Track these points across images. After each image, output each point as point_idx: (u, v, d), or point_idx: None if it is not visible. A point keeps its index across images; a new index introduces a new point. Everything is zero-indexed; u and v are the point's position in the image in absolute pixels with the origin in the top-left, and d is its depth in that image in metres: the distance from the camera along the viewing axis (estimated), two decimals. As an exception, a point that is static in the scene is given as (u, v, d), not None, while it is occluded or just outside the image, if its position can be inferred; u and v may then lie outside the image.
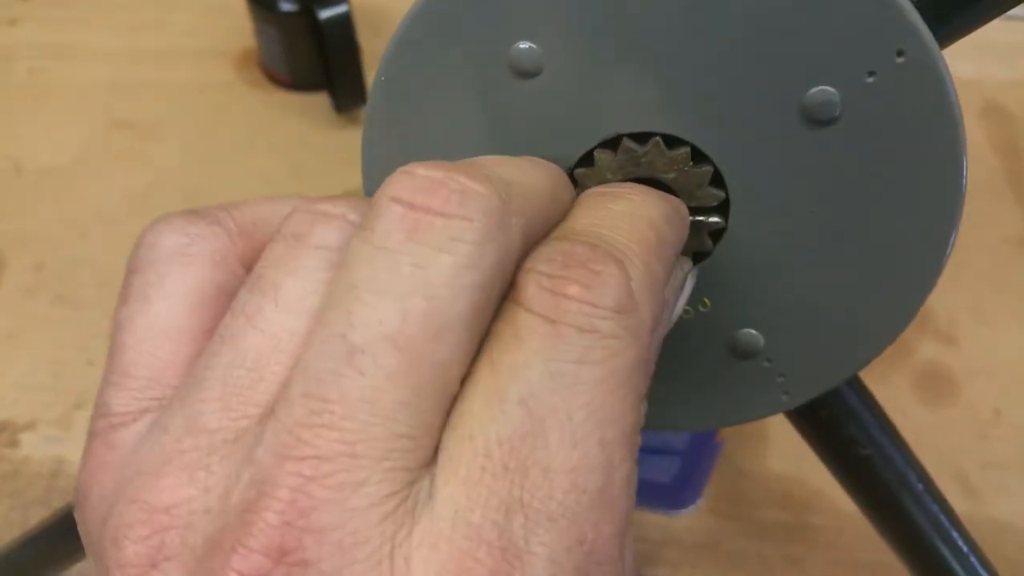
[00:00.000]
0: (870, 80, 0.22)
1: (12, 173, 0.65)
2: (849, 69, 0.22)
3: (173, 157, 0.66)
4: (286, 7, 0.64)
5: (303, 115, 0.68)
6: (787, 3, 0.21)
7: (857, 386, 0.29)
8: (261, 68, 0.69)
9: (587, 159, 0.24)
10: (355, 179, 0.26)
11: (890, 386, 0.56)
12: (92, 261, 0.61)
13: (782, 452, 0.53)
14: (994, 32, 0.84)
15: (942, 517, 0.31)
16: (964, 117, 0.22)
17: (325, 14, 0.61)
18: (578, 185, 0.25)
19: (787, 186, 0.23)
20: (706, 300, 0.26)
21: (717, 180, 0.24)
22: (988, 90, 0.71)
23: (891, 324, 0.25)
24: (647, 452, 0.46)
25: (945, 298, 0.61)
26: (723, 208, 0.24)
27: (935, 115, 0.22)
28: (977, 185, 0.66)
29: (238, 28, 0.70)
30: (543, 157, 0.24)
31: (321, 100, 0.68)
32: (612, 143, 0.24)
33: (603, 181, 0.24)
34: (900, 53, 0.21)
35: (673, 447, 0.47)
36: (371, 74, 0.66)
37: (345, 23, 0.62)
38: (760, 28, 0.22)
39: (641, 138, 0.24)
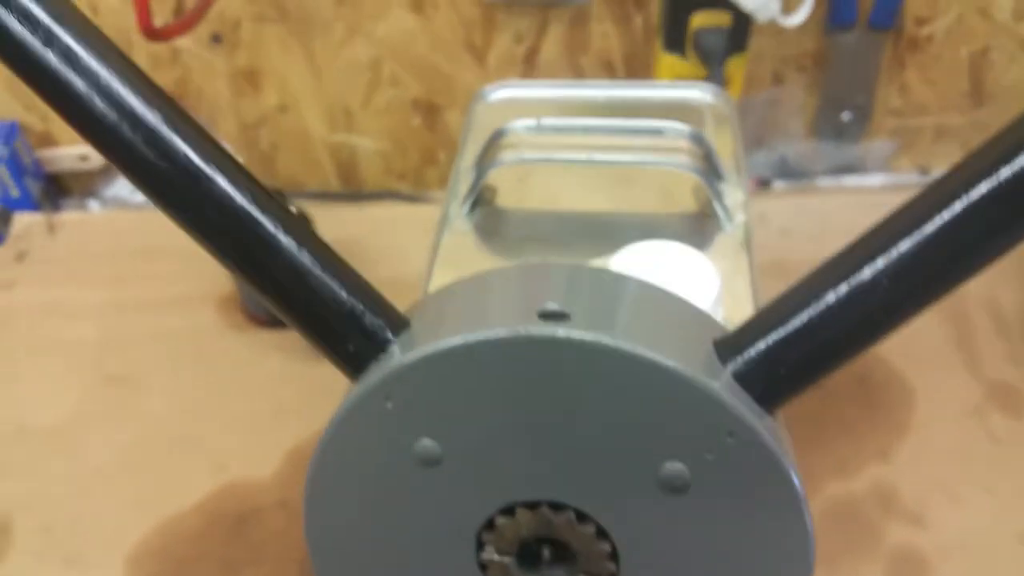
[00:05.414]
0: (710, 457, 0.25)
1: (15, 434, 0.69)
2: (692, 449, 0.25)
3: (160, 407, 0.69)
4: (258, 260, 0.68)
5: (281, 351, 0.72)
6: (639, 403, 0.25)
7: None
8: (242, 310, 0.74)
9: (490, 525, 0.28)
10: (332, 411, 0.30)
11: (862, 578, 0.58)
12: (95, 519, 0.63)
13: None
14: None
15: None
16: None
17: (293, 266, 0.65)
18: (484, 548, 0.28)
19: (659, 540, 0.26)
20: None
21: (602, 534, 0.27)
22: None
23: None
24: None
25: (910, 478, 0.62)
26: (615, 555, 0.28)
27: (770, 479, 0.25)
28: (928, 358, 0.69)
29: (219, 273, 0.75)
30: (449, 530, 0.27)
31: (296, 335, 0.72)
32: (509, 512, 0.27)
33: (519, 538, 0.27)
34: (731, 434, 0.24)
35: None
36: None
37: (312, 272, 0.66)
38: (619, 421, 0.25)
39: (532, 505, 0.27)
